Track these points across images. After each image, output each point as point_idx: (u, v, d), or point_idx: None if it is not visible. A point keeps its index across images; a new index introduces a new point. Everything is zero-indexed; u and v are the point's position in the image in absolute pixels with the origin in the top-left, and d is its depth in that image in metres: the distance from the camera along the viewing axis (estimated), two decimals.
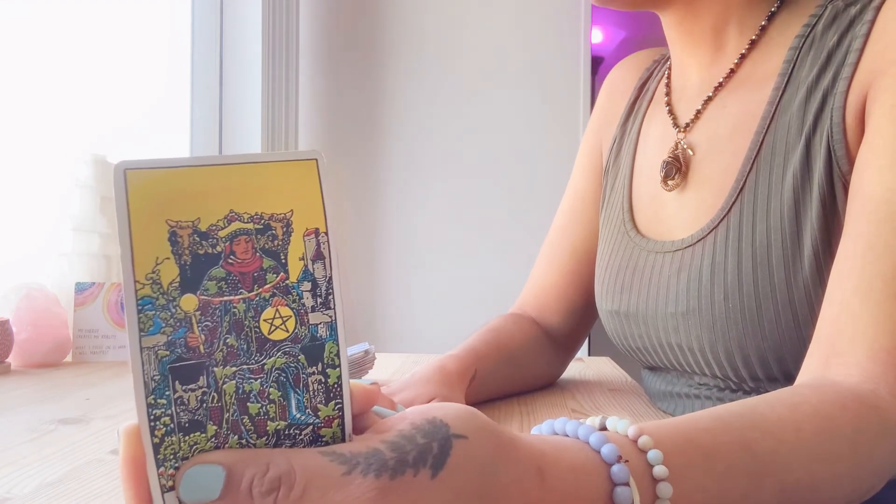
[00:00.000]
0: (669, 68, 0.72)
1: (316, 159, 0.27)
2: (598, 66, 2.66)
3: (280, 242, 0.27)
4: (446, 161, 1.81)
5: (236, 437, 0.26)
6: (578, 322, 0.82)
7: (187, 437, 0.25)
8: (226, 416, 0.26)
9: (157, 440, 0.25)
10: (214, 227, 0.26)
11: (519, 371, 0.74)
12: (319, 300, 0.27)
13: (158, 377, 0.25)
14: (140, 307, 0.25)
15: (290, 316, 0.27)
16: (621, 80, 0.81)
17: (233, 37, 1.63)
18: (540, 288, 0.82)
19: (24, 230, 1.17)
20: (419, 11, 1.81)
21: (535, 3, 1.80)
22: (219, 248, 0.26)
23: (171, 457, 0.25)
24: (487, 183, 1.80)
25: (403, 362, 0.99)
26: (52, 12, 1.28)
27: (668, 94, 0.70)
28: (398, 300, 1.82)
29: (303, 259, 0.27)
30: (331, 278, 0.27)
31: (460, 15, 1.81)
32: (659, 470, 0.30)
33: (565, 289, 0.81)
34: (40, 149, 1.22)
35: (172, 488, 0.25)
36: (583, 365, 0.99)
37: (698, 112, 0.64)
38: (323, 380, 0.27)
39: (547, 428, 0.33)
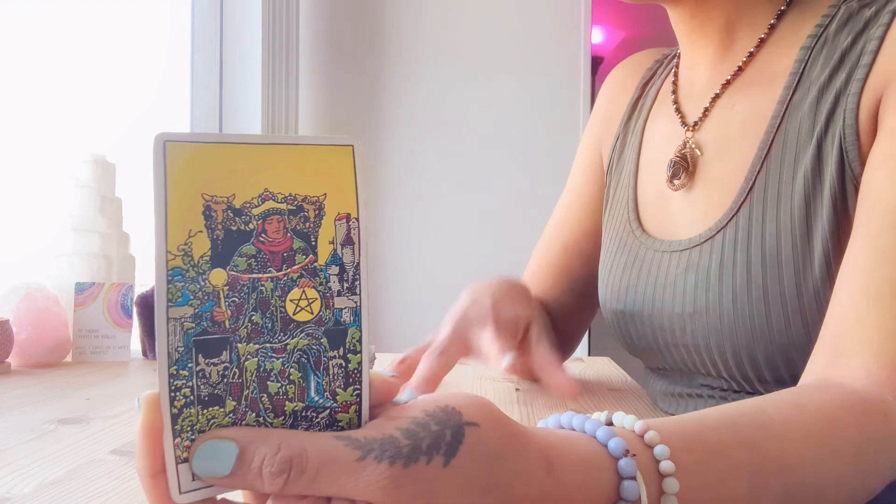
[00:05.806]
0: (677, 65, 0.72)
1: (353, 146, 0.28)
2: (598, 66, 2.65)
3: (311, 224, 0.27)
4: (446, 161, 1.80)
5: (254, 414, 0.26)
6: (572, 325, 0.82)
7: (205, 411, 0.26)
8: (245, 392, 0.26)
9: (175, 411, 0.25)
10: (248, 205, 0.26)
11: None
12: (346, 285, 0.27)
13: (182, 349, 0.25)
14: (170, 277, 0.25)
15: (316, 298, 0.27)
16: (622, 79, 0.80)
17: (233, 37, 1.63)
18: (531, 283, 0.82)
19: (24, 230, 1.17)
20: (419, 11, 1.81)
21: (535, 3, 1.80)
22: (251, 226, 0.26)
23: (188, 429, 0.25)
24: (488, 182, 1.79)
25: None
26: (51, 12, 1.27)
27: (674, 91, 0.70)
28: (398, 300, 1.81)
29: (332, 243, 0.27)
30: (359, 264, 0.28)
31: (460, 15, 1.81)
32: (665, 465, 0.30)
33: (552, 287, 0.81)
34: (40, 149, 1.22)
35: (187, 460, 0.25)
36: (583, 365, 0.99)
37: (706, 110, 0.64)
38: (343, 364, 0.27)
39: (553, 422, 0.33)
